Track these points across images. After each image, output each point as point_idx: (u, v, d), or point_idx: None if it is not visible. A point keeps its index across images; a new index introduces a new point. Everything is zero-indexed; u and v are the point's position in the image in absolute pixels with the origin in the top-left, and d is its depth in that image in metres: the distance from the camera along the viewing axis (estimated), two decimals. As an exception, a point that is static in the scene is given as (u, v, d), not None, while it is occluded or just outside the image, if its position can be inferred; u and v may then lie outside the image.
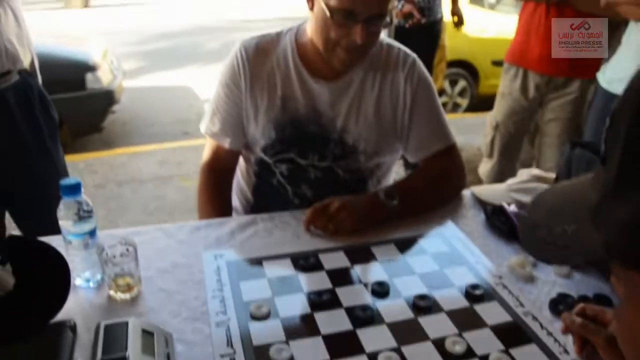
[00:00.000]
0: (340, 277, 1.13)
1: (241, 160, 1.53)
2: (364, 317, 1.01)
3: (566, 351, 0.95)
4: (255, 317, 1.01)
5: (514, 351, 0.95)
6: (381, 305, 1.05)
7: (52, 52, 3.78)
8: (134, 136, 4.86)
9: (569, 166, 1.28)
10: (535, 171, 1.51)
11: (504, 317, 1.04)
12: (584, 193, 0.49)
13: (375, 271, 1.17)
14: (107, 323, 0.93)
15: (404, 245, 1.25)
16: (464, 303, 1.07)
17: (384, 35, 1.40)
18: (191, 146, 4.27)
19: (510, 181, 1.50)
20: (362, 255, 1.21)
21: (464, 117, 4.94)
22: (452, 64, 4.69)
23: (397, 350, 0.94)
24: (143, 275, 1.11)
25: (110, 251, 1.07)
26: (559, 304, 1.05)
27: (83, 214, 1.08)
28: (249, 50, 1.40)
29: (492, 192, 1.47)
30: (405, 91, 1.40)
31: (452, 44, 4.08)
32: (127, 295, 1.07)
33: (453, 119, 4.78)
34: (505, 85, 2.58)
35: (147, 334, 0.91)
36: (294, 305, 1.05)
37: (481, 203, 1.43)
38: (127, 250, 1.08)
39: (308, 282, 1.12)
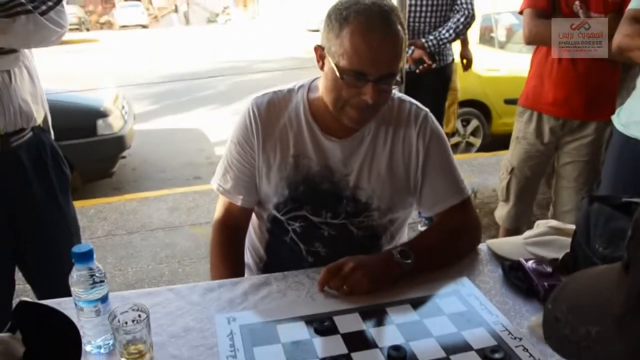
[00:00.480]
0: (356, 341, 1.11)
1: (254, 216, 1.53)
2: (380, 384, 0.98)
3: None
4: (268, 386, 0.99)
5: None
6: (398, 371, 1.03)
7: (64, 99, 3.85)
8: (144, 181, 4.92)
9: (587, 221, 1.25)
10: (553, 222, 1.49)
11: (525, 383, 1.00)
12: (607, 293, 0.48)
13: (391, 334, 1.14)
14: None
15: (420, 306, 1.23)
16: (483, 368, 1.04)
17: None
18: (202, 191, 4.30)
19: (528, 233, 1.48)
20: (377, 316, 1.19)
21: (477, 157, 4.92)
22: (464, 103, 4.71)
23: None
24: (154, 341, 1.10)
25: (122, 317, 1.06)
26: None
27: (96, 280, 1.07)
28: (260, 108, 1.41)
29: (508, 245, 1.44)
30: (418, 147, 1.40)
31: (463, 83, 4.10)
32: (138, 363, 1.05)
33: (466, 159, 4.78)
34: (519, 130, 2.56)
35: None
36: (309, 373, 1.02)
37: (498, 258, 1.40)
38: (139, 316, 1.06)
39: (323, 347, 1.09)
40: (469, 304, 1.24)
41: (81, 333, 1.05)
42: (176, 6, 38.62)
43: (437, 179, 1.42)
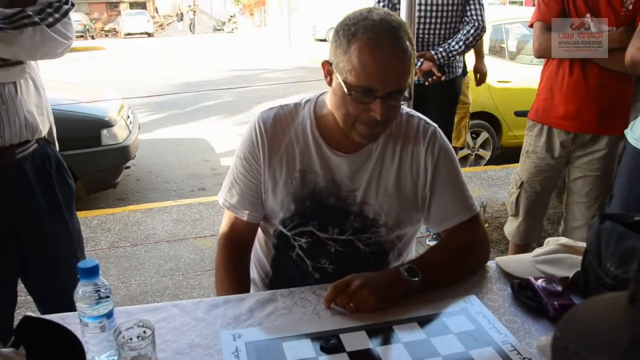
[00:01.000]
0: (362, 360, 1.09)
1: (260, 232, 1.52)
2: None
3: None
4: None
5: None
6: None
7: (68, 109, 3.88)
8: (148, 192, 4.92)
9: (598, 240, 1.23)
10: (563, 240, 1.47)
11: (535, 407, 0.99)
12: (615, 324, 0.47)
13: (398, 353, 1.12)
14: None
15: (427, 324, 1.21)
16: (492, 390, 1.02)
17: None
18: (207, 202, 4.29)
19: (537, 251, 1.46)
20: (384, 335, 1.17)
21: (487, 170, 4.90)
22: (474, 115, 4.67)
23: None
24: (159, 357, 1.08)
25: (127, 333, 1.05)
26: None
27: (101, 296, 1.06)
28: (267, 122, 1.40)
29: (517, 263, 1.43)
30: (426, 163, 1.39)
31: (473, 95, 4.08)
32: (143, 380, 1.04)
33: (475, 172, 4.76)
34: (529, 144, 2.55)
35: None
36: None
37: (507, 276, 1.38)
38: (145, 332, 1.05)
39: (329, 365, 1.08)
40: (477, 323, 1.22)
41: (85, 349, 1.04)
42: (182, 14, 38.80)
43: (446, 196, 1.40)
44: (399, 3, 2.74)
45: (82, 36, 26.46)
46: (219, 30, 37.30)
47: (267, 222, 1.47)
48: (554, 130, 2.45)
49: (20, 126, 1.61)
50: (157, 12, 40.40)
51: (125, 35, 31.81)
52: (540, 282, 1.27)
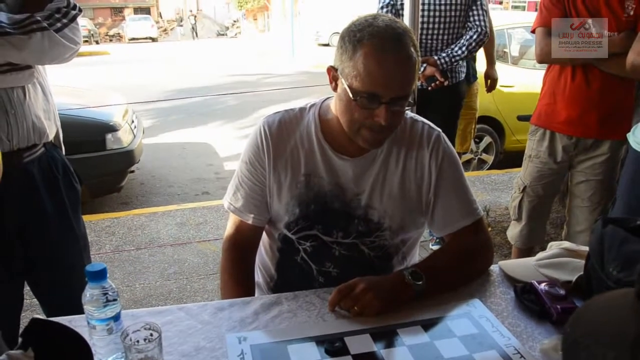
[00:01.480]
0: (367, 363, 1.10)
1: (264, 235, 1.53)
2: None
3: None
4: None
5: None
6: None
7: (74, 114, 3.89)
8: (152, 196, 4.94)
9: (601, 244, 1.24)
10: (566, 244, 1.48)
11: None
12: (623, 319, 0.49)
13: (402, 356, 1.13)
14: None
15: (431, 327, 1.22)
16: (495, 393, 1.03)
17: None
18: (211, 206, 4.30)
19: (540, 255, 1.46)
20: (388, 338, 1.18)
21: (490, 174, 4.90)
22: (477, 119, 4.68)
23: None
24: (166, 359, 1.10)
25: (134, 336, 1.06)
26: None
27: (109, 299, 1.08)
28: (272, 127, 1.41)
29: (520, 267, 1.43)
30: (430, 167, 1.40)
31: (476, 100, 4.08)
32: (150, 382, 1.05)
33: (478, 177, 4.76)
34: (532, 148, 2.56)
35: None
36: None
37: (510, 280, 1.39)
38: (151, 335, 1.06)
39: (334, 368, 1.09)
40: (480, 326, 1.23)
41: (93, 351, 1.05)
42: (181, 19, 38.82)
43: (449, 200, 1.41)
44: (402, 9, 2.75)
45: (86, 41, 26.57)
46: (223, 35, 37.41)
47: (271, 225, 1.49)
48: (556, 135, 2.46)
49: (28, 130, 1.62)
50: (161, 17, 40.54)
51: (130, 40, 31.95)
52: (543, 286, 1.28)
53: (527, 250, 2.64)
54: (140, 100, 7.32)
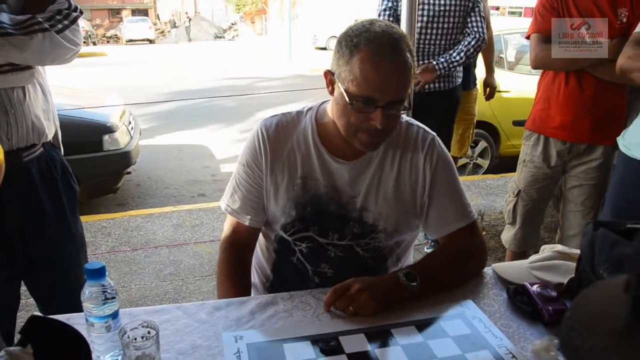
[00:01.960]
0: (361, 362, 1.12)
1: (261, 236, 1.55)
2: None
3: None
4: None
5: None
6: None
7: (70, 114, 3.89)
8: (148, 197, 4.94)
9: (592, 246, 1.26)
10: (559, 247, 1.50)
11: (528, 408, 1.01)
12: (613, 308, 0.51)
13: (396, 355, 1.15)
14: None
15: (425, 328, 1.24)
16: (487, 392, 1.05)
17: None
18: (207, 208, 4.31)
19: (533, 257, 1.49)
20: (382, 338, 1.20)
21: (485, 179, 4.93)
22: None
23: None
24: (163, 357, 1.11)
25: (132, 333, 1.07)
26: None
27: (107, 297, 1.09)
28: (269, 130, 1.43)
29: (513, 269, 1.45)
30: (425, 170, 1.42)
31: (472, 105, 4.11)
32: (147, 379, 1.06)
33: (474, 181, 4.79)
34: (526, 153, 2.58)
35: None
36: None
37: (503, 282, 1.41)
38: (149, 333, 1.08)
39: (328, 367, 1.11)
40: (473, 327, 1.25)
41: (91, 348, 1.07)
42: (174, 22, 38.70)
43: (444, 203, 1.43)
44: None
45: (84, 42, 26.51)
46: (220, 37, 37.40)
47: (268, 227, 1.50)
48: (550, 140, 2.48)
49: (27, 130, 1.64)
50: (159, 19, 40.52)
51: (127, 41, 31.93)
52: (535, 288, 1.30)
53: (521, 253, 2.66)
54: (137, 101, 7.33)
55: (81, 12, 1.66)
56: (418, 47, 3.07)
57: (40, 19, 1.54)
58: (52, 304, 1.83)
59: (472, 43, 3.10)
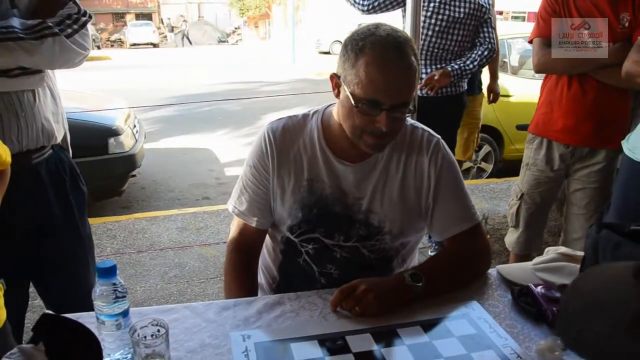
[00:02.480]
0: (368, 361, 1.13)
1: (267, 238, 1.56)
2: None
3: None
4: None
5: None
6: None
7: (76, 118, 3.88)
8: (153, 200, 4.95)
9: (595, 248, 1.28)
10: (562, 249, 1.51)
11: (533, 407, 1.02)
12: (620, 295, 0.51)
13: (402, 355, 1.17)
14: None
15: (430, 328, 1.25)
16: (492, 391, 1.06)
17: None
18: (211, 211, 4.33)
19: (537, 259, 1.50)
20: (388, 337, 1.21)
21: (489, 183, 4.93)
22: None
23: None
24: (172, 356, 1.13)
25: (142, 332, 1.09)
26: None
27: (118, 295, 1.11)
28: (276, 133, 1.45)
29: (518, 271, 1.47)
30: (430, 173, 1.43)
31: (476, 109, 4.13)
32: (156, 377, 1.08)
33: (477, 185, 4.79)
34: (529, 156, 2.59)
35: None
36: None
37: (507, 283, 1.43)
38: (159, 331, 1.10)
39: (335, 366, 1.12)
40: (478, 327, 1.26)
41: (101, 346, 1.08)
42: (172, 27, 38.65)
43: (448, 205, 1.45)
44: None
45: (88, 46, 26.56)
46: (224, 42, 37.48)
47: (274, 228, 1.52)
48: (553, 144, 2.50)
49: (37, 132, 1.66)
50: (163, 24, 40.60)
51: (131, 45, 32.02)
52: (539, 289, 1.31)
53: (524, 256, 2.66)
54: (141, 105, 7.35)
55: (90, 17, 1.68)
56: (432, 52, 3.15)
57: (51, 24, 1.56)
58: (61, 304, 1.84)
59: (485, 54, 3.22)
